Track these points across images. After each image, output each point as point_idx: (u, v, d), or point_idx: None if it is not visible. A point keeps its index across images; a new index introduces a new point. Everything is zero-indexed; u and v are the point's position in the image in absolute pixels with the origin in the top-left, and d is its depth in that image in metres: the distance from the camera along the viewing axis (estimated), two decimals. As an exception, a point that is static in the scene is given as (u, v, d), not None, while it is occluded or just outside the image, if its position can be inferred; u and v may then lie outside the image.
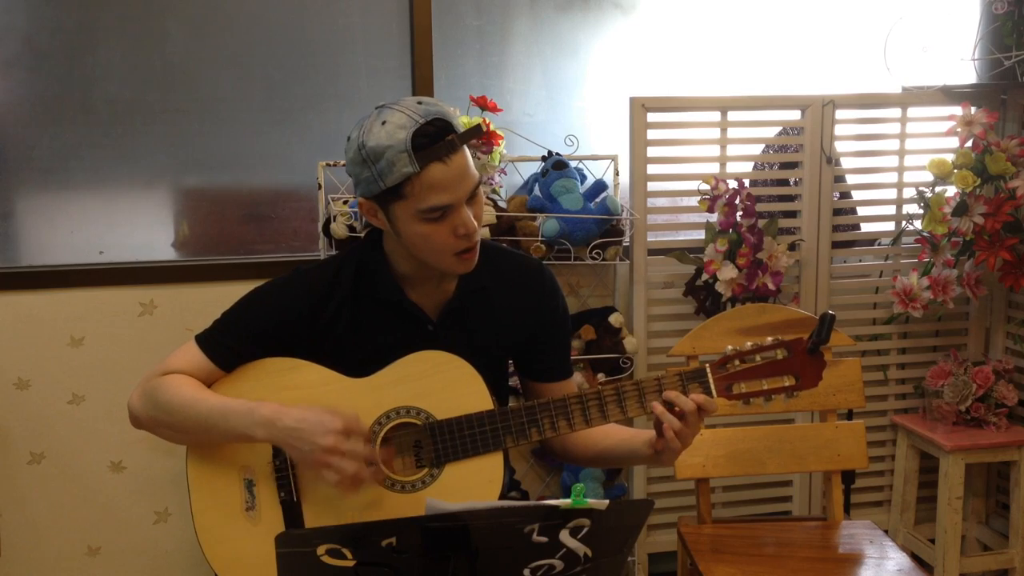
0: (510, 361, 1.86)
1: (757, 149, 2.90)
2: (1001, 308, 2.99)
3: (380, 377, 1.66)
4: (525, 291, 1.77)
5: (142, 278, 2.60)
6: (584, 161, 2.71)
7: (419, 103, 1.56)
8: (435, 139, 1.52)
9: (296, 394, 1.66)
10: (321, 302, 1.69)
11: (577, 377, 2.59)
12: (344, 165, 2.55)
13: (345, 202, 2.47)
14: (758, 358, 1.62)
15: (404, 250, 1.66)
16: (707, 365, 1.63)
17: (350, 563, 1.20)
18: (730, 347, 1.64)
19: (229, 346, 1.69)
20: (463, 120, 2.47)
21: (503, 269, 1.77)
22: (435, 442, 1.63)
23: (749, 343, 1.63)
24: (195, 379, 1.68)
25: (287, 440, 1.57)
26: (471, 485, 1.62)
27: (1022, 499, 2.78)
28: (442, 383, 1.65)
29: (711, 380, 1.62)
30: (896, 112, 2.89)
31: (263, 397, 1.65)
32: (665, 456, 1.64)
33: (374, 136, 1.53)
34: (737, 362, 1.62)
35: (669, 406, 1.60)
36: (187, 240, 2.72)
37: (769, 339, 1.63)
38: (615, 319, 2.68)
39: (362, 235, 2.41)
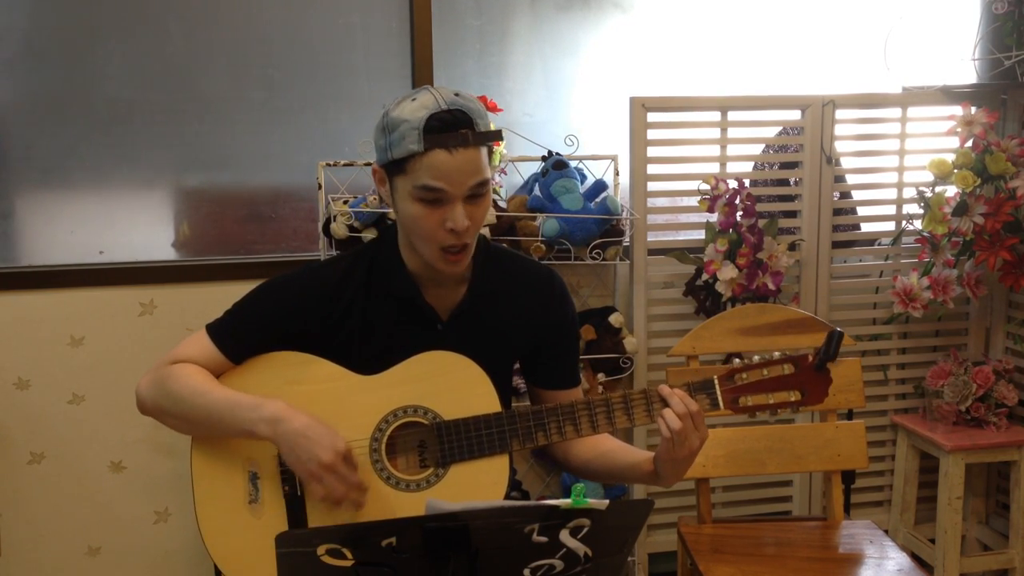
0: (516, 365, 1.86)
1: (757, 149, 2.90)
2: (1001, 308, 2.99)
3: (388, 375, 1.66)
4: (535, 297, 1.77)
5: (142, 278, 2.60)
6: (584, 161, 2.71)
7: (456, 94, 1.57)
8: (448, 127, 1.53)
9: (304, 389, 1.66)
10: (334, 296, 1.69)
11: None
12: (346, 164, 2.58)
13: (345, 202, 2.47)
14: (765, 372, 1.63)
15: (408, 240, 1.66)
16: (715, 377, 1.64)
17: (350, 563, 1.20)
18: (737, 360, 1.65)
19: (240, 337, 1.69)
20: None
21: (514, 274, 1.77)
22: (441, 442, 1.63)
23: (756, 356, 1.65)
24: (204, 369, 1.68)
25: (288, 442, 1.57)
26: (476, 486, 1.62)
27: (1022, 499, 2.78)
28: (450, 384, 1.65)
29: (718, 392, 1.63)
30: (896, 112, 2.89)
31: (271, 391, 1.65)
32: (664, 469, 1.64)
33: (399, 108, 1.56)
34: (744, 375, 1.64)
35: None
36: (187, 240, 2.72)
37: (776, 353, 1.65)
38: (615, 319, 2.68)
39: (363, 235, 2.42)
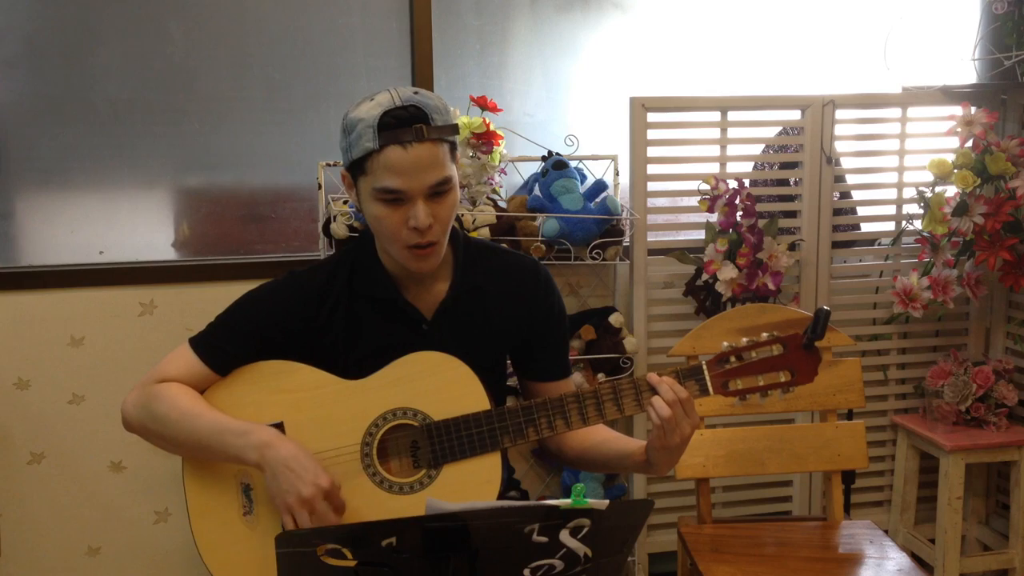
0: (508, 361, 1.86)
1: (757, 149, 2.89)
2: (1001, 308, 2.99)
3: (376, 379, 1.66)
4: (519, 290, 1.77)
5: (142, 278, 2.60)
6: (584, 161, 2.71)
7: (415, 92, 1.58)
8: (403, 123, 1.54)
9: (292, 397, 1.66)
10: (316, 303, 1.69)
11: (577, 377, 2.59)
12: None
13: (345, 202, 2.47)
14: (754, 354, 1.63)
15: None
16: (703, 362, 1.63)
17: (350, 563, 1.20)
18: (726, 344, 1.64)
19: (224, 349, 1.68)
20: (463, 120, 2.47)
21: (497, 268, 1.76)
22: (432, 443, 1.63)
23: (745, 339, 1.64)
24: (192, 389, 1.67)
25: (273, 470, 1.56)
26: (469, 486, 1.62)
27: (1022, 499, 2.78)
28: (439, 384, 1.64)
29: (707, 377, 1.62)
30: (896, 112, 2.89)
31: (258, 400, 1.65)
32: (656, 457, 1.64)
33: (357, 109, 1.58)
34: (733, 359, 1.63)
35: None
36: (187, 240, 2.72)
37: (764, 335, 1.63)
38: (615, 319, 2.68)
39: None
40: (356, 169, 1.59)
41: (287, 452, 1.55)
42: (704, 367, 1.63)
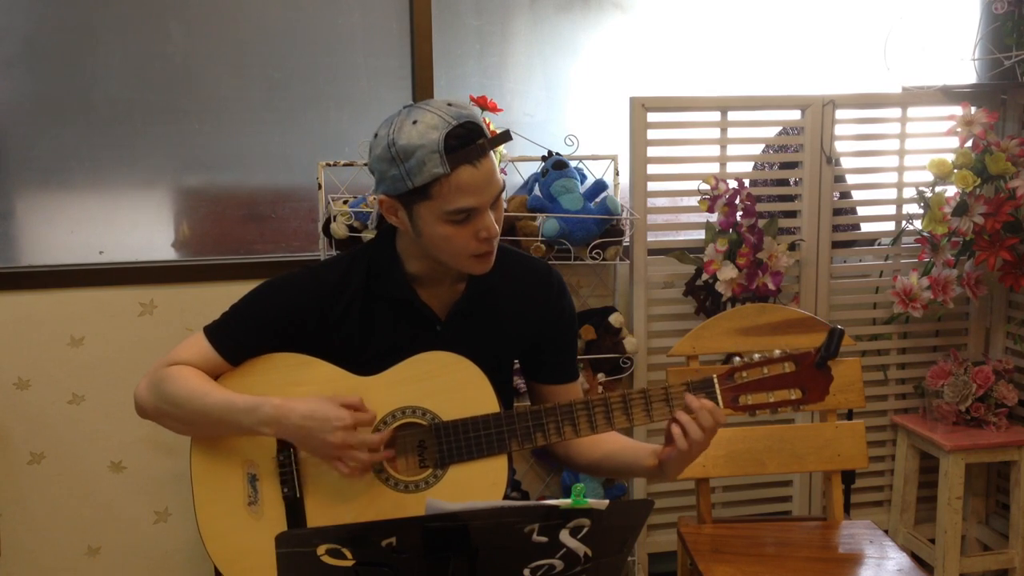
0: (515, 362, 1.86)
1: (757, 149, 2.90)
2: (1001, 308, 2.99)
3: (387, 376, 1.66)
4: (533, 293, 1.77)
5: (142, 278, 2.60)
6: (584, 161, 2.71)
7: (449, 105, 1.56)
8: (466, 142, 1.52)
9: (303, 390, 1.66)
10: (331, 299, 1.69)
11: (577, 377, 2.59)
12: (346, 164, 2.58)
13: (345, 202, 2.47)
14: (765, 370, 1.63)
15: (418, 250, 1.66)
16: (714, 376, 1.63)
17: (350, 563, 1.20)
18: (737, 358, 1.65)
19: (237, 339, 1.69)
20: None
21: (512, 271, 1.77)
22: (440, 443, 1.63)
23: (756, 355, 1.64)
24: (202, 371, 1.68)
25: (295, 439, 1.61)
26: (475, 487, 1.62)
27: (1022, 499, 2.78)
28: (449, 384, 1.65)
29: (718, 391, 1.63)
30: (896, 112, 2.89)
31: (270, 393, 1.66)
32: (669, 467, 1.65)
33: (405, 134, 1.53)
34: (744, 373, 1.63)
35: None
36: (187, 240, 2.72)
37: (777, 352, 1.64)
38: (615, 319, 2.68)
39: (362, 235, 2.42)
40: (416, 195, 1.56)
41: (296, 417, 1.58)
42: (715, 381, 1.63)
